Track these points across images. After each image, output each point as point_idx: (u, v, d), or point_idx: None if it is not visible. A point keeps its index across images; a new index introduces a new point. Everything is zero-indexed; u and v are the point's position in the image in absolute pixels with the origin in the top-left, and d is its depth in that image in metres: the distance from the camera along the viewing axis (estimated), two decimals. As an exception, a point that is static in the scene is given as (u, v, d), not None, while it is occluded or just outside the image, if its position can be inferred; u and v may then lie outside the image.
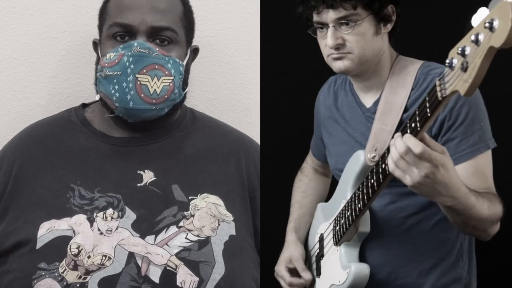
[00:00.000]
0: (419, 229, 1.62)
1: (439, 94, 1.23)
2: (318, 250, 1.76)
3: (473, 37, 1.11)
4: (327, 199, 1.86)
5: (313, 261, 1.79)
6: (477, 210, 1.42)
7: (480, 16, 1.11)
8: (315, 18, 1.60)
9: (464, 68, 1.13)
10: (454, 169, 1.35)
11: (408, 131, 1.31)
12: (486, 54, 1.09)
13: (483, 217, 1.44)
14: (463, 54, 1.14)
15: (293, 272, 1.80)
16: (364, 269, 1.60)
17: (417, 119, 1.29)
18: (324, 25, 1.59)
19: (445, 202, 1.38)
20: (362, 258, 1.63)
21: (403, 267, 1.64)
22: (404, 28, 1.64)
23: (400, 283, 1.64)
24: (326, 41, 1.58)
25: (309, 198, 1.94)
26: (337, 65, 1.60)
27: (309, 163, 1.99)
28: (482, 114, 1.55)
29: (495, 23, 1.06)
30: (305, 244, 1.86)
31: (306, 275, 1.77)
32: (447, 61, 1.18)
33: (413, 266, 1.63)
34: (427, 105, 1.27)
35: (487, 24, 1.07)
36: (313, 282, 1.77)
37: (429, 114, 1.26)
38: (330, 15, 1.56)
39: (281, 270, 1.82)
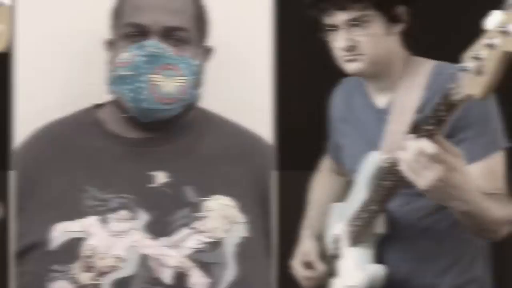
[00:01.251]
0: (435, 229, 1.61)
1: (453, 98, 1.21)
2: (334, 251, 1.76)
3: (487, 41, 1.10)
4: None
5: (329, 262, 1.79)
6: (490, 213, 1.40)
7: (494, 19, 1.10)
8: (326, 20, 1.59)
9: (479, 72, 1.12)
10: (467, 172, 1.34)
11: (422, 133, 1.30)
12: (501, 58, 1.08)
13: (495, 219, 1.43)
14: (477, 58, 1.13)
15: (308, 265, 1.82)
16: (379, 271, 1.61)
17: (431, 122, 1.28)
18: (335, 27, 1.59)
19: (458, 207, 1.37)
20: (378, 259, 1.63)
21: (420, 267, 1.63)
22: (416, 28, 1.63)
23: (416, 283, 1.64)
24: (338, 43, 1.58)
25: (324, 197, 1.93)
26: (349, 67, 1.60)
27: (326, 164, 1.98)
28: (495, 114, 1.54)
29: (510, 28, 1.06)
30: (321, 244, 1.86)
31: (319, 266, 1.79)
32: (462, 64, 1.16)
33: (430, 266, 1.63)
34: (442, 108, 1.26)
35: (501, 29, 1.07)
36: (329, 282, 1.77)
37: (443, 118, 1.26)
38: (340, 17, 1.57)
39: (296, 264, 1.84)
